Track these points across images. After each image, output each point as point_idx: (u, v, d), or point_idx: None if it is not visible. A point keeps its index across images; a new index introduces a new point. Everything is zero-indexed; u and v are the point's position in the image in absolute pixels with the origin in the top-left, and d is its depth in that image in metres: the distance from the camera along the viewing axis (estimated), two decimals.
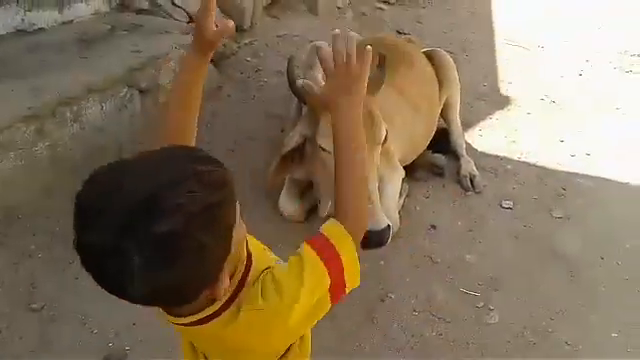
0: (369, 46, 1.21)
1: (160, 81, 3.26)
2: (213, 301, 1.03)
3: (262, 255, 1.17)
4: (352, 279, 1.10)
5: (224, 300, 1.04)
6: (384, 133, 2.28)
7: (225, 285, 0.99)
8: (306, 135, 2.31)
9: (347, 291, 1.11)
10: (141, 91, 3.14)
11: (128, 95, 3.07)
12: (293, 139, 2.35)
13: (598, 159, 3.20)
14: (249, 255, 1.11)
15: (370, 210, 2.10)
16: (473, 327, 2.23)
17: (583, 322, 2.26)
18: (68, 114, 2.74)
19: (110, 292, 0.91)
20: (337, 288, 1.09)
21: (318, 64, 2.60)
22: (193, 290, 0.95)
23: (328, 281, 1.07)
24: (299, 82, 2.31)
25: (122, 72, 3.05)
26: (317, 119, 2.25)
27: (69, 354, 1.99)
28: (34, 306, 2.17)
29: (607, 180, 3.05)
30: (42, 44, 3.17)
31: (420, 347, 2.16)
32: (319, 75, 2.51)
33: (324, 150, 2.23)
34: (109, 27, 3.49)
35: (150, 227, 0.84)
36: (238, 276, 1.07)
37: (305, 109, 2.44)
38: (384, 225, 2.10)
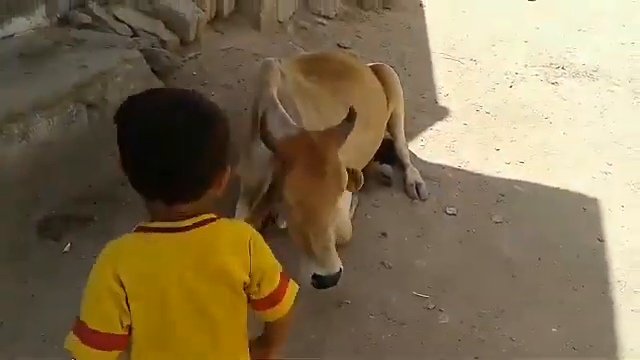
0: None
1: (107, 96, 3.24)
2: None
3: None
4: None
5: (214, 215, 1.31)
6: (346, 182, 2.33)
7: (224, 186, 1.30)
8: (275, 178, 2.27)
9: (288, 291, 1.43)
10: (89, 106, 3.12)
11: (75, 110, 3.04)
12: (265, 185, 2.30)
13: (530, 166, 3.42)
14: None
15: (327, 257, 2.18)
16: (426, 328, 2.36)
17: (525, 319, 2.43)
18: (15, 131, 2.70)
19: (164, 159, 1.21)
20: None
21: (273, 79, 2.68)
22: (216, 166, 1.26)
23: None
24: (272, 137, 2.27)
25: (68, 87, 3.02)
26: (284, 171, 2.21)
27: None
28: None
29: (539, 185, 3.27)
30: None
31: (377, 349, 2.27)
32: (274, 91, 2.57)
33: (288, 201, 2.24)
34: (52, 42, 3.43)
35: (196, 107, 1.26)
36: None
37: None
38: (337, 270, 2.20)
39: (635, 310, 2.48)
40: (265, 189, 2.30)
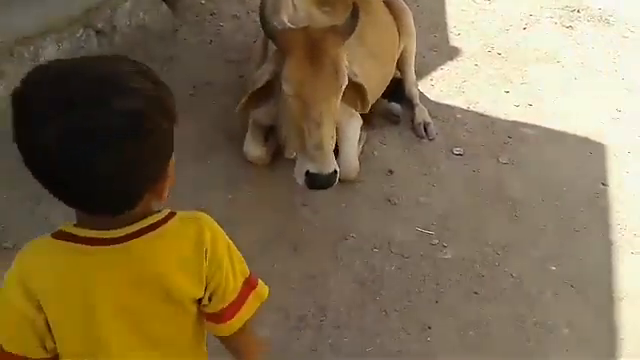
0: None
1: (116, 22, 3.21)
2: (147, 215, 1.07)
3: None
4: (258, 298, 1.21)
5: (162, 216, 1.09)
6: (345, 81, 2.36)
7: (166, 193, 1.07)
8: (275, 72, 2.35)
9: (254, 298, 1.19)
10: (97, 32, 3.10)
11: (84, 36, 3.02)
12: (263, 77, 2.38)
13: (540, 109, 3.41)
14: None
15: (319, 155, 2.23)
16: (429, 262, 2.43)
17: (525, 256, 2.50)
18: (26, 54, 2.69)
19: (67, 183, 0.93)
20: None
21: (284, 8, 2.65)
22: (147, 176, 1.00)
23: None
24: (272, 22, 2.33)
25: (78, 12, 3.00)
26: (283, 60, 2.29)
27: None
28: (6, 244, 2.19)
29: (547, 129, 3.27)
30: None
31: (381, 281, 2.34)
32: (285, 19, 2.55)
33: (285, 91, 2.30)
34: None
35: (113, 103, 0.91)
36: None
37: (273, 49, 2.47)
38: (331, 170, 2.26)
39: (634, 252, 2.54)
40: (260, 83, 2.34)
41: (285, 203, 2.63)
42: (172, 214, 1.10)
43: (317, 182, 2.25)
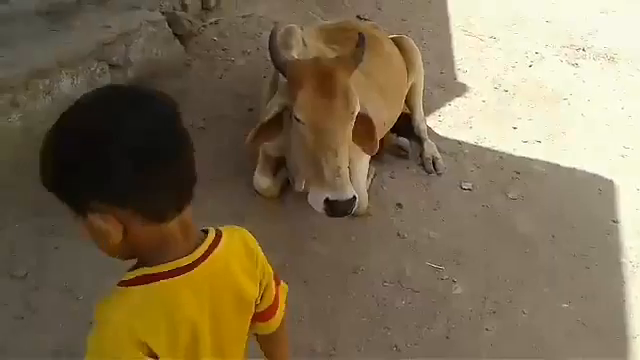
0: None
1: (130, 56, 3.26)
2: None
3: None
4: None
5: (214, 233, 1.16)
6: (358, 108, 2.39)
7: None
8: (285, 105, 2.38)
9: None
10: (111, 66, 3.14)
11: (99, 70, 3.07)
12: (273, 109, 2.40)
13: (548, 145, 3.42)
14: None
15: (338, 181, 2.23)
16: (439, 297, 2.41)
17: (537, 293, 2.48)
18: (41, 87, 2.73)
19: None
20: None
21: (294, 44, 2.70)
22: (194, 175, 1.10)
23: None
24: (281, 54, 2.37)
25: (93, 46, 3.05)
26: (295, 91, 2.32)
27: (56, 320, 2.03)
28: (16, 273, 2.19)
29: (556, 165, 3.28)
30: (8, 16, 3.10)
31: (391, 315, 2.32)
32: (294, 55, 2.59)
33: (299, 121, 2.32)
34: (76, 0, 3.44)
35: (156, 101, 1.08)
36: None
37: (282, 82, 2.50)
38: (350, 196, 2.24)
39: None
40: (270, 115, 2.37)
41: (294, 236, 2.63)
42: (219, 230, 1.17)
43: (338, 208, 2.23)
